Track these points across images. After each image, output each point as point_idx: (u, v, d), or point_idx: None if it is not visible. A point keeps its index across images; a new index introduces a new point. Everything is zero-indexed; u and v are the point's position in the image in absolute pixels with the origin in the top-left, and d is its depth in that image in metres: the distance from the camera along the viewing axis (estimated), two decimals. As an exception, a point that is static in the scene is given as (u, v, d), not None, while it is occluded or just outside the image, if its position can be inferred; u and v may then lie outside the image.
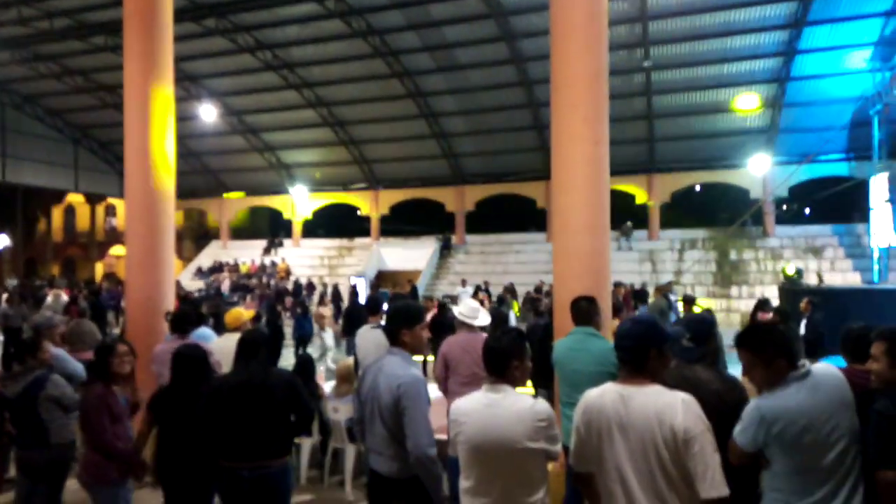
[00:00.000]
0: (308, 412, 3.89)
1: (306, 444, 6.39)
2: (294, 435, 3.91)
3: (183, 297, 14.69)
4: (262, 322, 9.21)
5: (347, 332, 12.69)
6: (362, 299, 17.44)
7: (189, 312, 6.04)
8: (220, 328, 6.64)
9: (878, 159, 18.89)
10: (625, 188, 24.83)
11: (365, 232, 30.32)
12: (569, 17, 5.98)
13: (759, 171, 22.98)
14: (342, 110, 25.75)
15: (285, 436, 3.77)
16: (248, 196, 31.75)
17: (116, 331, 15.25)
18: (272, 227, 35.39)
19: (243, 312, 6.30)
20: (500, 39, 20.40)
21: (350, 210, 31.16)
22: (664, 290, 13.99)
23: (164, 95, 7.25)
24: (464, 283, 21.07)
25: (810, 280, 18.01)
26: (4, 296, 16.71)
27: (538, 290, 17.79)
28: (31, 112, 28.72)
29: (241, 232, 33.25)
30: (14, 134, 28.33)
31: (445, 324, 9.61)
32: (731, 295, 21.61)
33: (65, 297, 14.82)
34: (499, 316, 6.97)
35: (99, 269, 38.29)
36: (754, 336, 2.86)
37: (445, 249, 27.62)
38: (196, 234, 36.74)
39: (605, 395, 2.57)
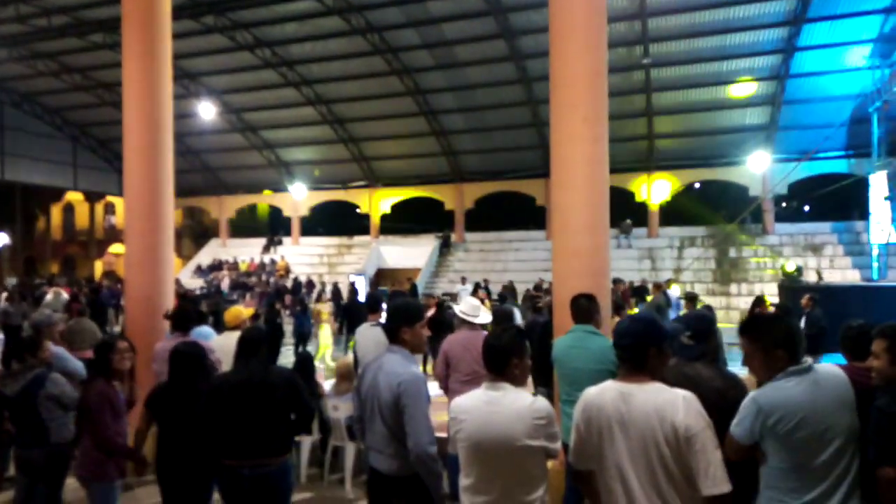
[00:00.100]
0: (308, 411, 3.89)
1: (306, 442, 6.39)
2: (294, 433, 3.91)
3: (182, 294, 14.70)
4: (261, 320, 9.19)
5: (346, 329, 12.74)
6: (362, 297, 17.43)
7: (190, 310, 6.04)
8: (220, 326, 6.63)
9: (877, 156, 18.91)
10: (624, 185, 24.84)
11: (364, 230, 30.32)
12: (568, 13, 5.97)
13: (758, 169, 22.99)
14: (341, 108, 25.74)
15: (286, 434, 3.76)
16: (247, 194, 31.72)
17: (117, 329, 15.25)
18: (271, 225, 35.38)
19: (242, 311, 6.31)
20: (499, 36, 20.39)
21: (349, 208, 31.16)
22: (663, 288, 14.02)
23: (162, 93, 7.23)
24: (464, 280, 21.09)
25: (810, 277, 18.02)
26: (4, 294, 16.69)
27: (538, 287, 17.79)
28: (30, 110, 28.69)
29: (241, 230, 33.23)
30: (13, 132, 28.30)
31: (444, 322, 9.63)
32: (730, 292, 21.64)
33: (65, 296, 14.81)
34: (504, 313, 6.95)
35: (98, 267, 38.26)
36: (755, 324, 2.86)
37: (445, 247, 27.63)
38: (195, 232, 36.73)
39: (604, 392, 2.57)
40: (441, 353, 5.26)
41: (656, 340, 2.57)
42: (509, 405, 2.72)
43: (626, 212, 24.56)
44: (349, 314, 12.79)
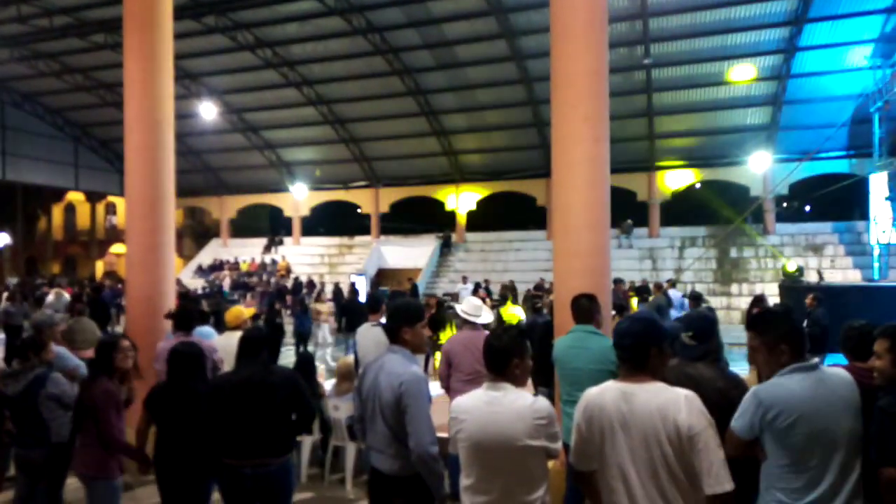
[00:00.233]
0: (309, 411, 3.89)
1: (307, 442, 6.39)
2: (296, 433, 3.91)
3: (184, 294, 14.71)
4: (260, 320, 9.19)
5: (344, 328, 12.77)
6: (362, 297, 17.43)
7: (192, 310, 6.04)
8: (221, 326, 6.64)
9: (878, 157, 18.89)
10: (624, 185, 24.82)
11: (365, 230, 30.33)
12: (569, 13, 5.96)
13: (759, 169, 22.98)
14: (342, 108, 25.74)
15: (287, 434, 3.77)
16: (248, 194, 31.75)
17: (119, 328, 15.25)
18: (272, 225, 35.40)
19: (243, 311, 6.31)
20: (500, 37, 20.39)
21: (350, 208, 31.17)
22: (664, 288, 14.03)
23: (163, 93, 7.24)
24: (465, 280, 21.08)
25: (810, 277, 18.01)
26: (5, 294, 16.70)
27: (538, 287, 17.78)
28: (31, 110, 28.72)
29: (242, 230, 33.25)
30: (14, 132, 28.33)
31: (443, 320, 9.65)
32: (731, 292, 21.63)
33: (66, 296, 14.83)
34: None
35: (99, 267, 38.29)
36: (761, 320, 2.85)
37: (446, 247, 27.63)
38: (196, 232, 36.75)
39: (605, 392, 2.57)
40: (443, 352, 5.27)
41: (657, 340, 2.57)
42: (510, 405, 2.72)
43: (626, 212, 24.56)
44: (348, 313, 12.82)
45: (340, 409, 6.20)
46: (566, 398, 4.47)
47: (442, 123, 25.61)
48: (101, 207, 38.94)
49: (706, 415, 2.39)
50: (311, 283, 25.12)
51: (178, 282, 19.04)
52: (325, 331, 13.33)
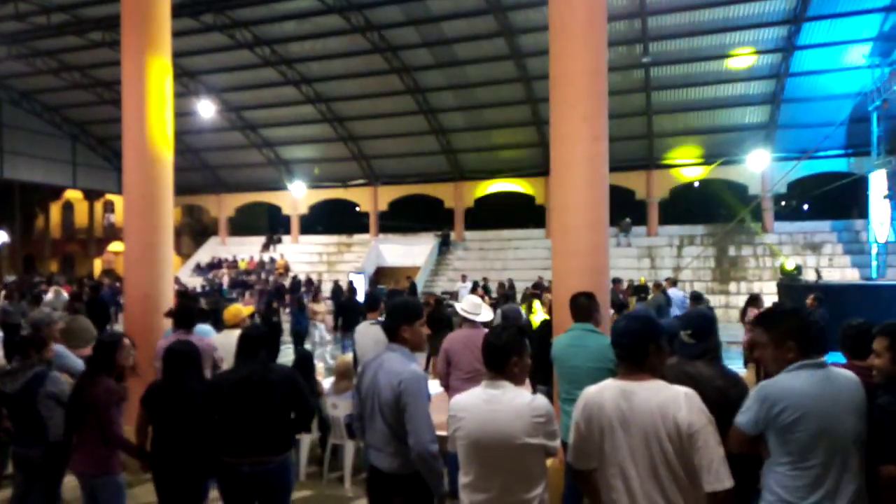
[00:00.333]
0: (308, 409, 3.90)
1: (305, 440, 6.39)
2: (295, 432, 3.91)
3: (182, 293, 14.69)
4: (255, 318, 9.18)
5: (340, 327, 12.75)
6: (360, 296, 17.43)
7: (193, 308, 6.04)
8: (220, 324, 6.64)
9: (876, 155, 18.92)
10: (623, 184, 24.84)
11: (364, 228, 30.32)
12: (568, 12, 5.96)
13: (757, 168, 22.99)
14: (341, 106, 25.72)
15: (286, 432, 3.77)
16: (246, 192, 31.72)
17: (118, 327, 15.24)
18: (271, 224, 35.39)
19: (242, 309, 6.30)
20: (498, 35, 20.38)
21: (349, 206, 31.15)
22: (662, 287, 14.05)
23: (162, 91, 7.23)
24: (464, 278, 21.07)
25: (809, 276, 18.03)
26: (3, 292, 16.69)
27: (537, 286, 17.78)
28: (29, 108, 28.67)
29: (240, 228, 33.23)
30: (11, 130, 28.27)
31: (442, 319, 9.63)
32: (729, 291, 21.65)
33: (65, 294, 14.82)
34: (510, 313, 6.91)
35: (97, 265, 38.27)
36: (769, 316, 2.86)
37: (444, 246, 27.62)
38: (194, 231, 36.71)
39: (604, 391, 2.57)
40: (442, 350, 5.27)
41: (654, 337, 2.57)
42: (508, 403, 2.72)
43: (625, 210, 24.57)
44: (344, 312, 12.82)
45: (339, 408, 6.20)
46: (565, 396, 4.47)
47: (441, 122, 25.60)
48: (99, 205, 38.90)
49: (706, 412, 2.40)
50: (309, 282, 25.12)
51: (177, 280, 19.04)
52: (321, 330, 13.34)
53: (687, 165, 25.13)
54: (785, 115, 22.14)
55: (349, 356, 7.04)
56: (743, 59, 20.35)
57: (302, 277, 25.75)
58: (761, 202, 22.97)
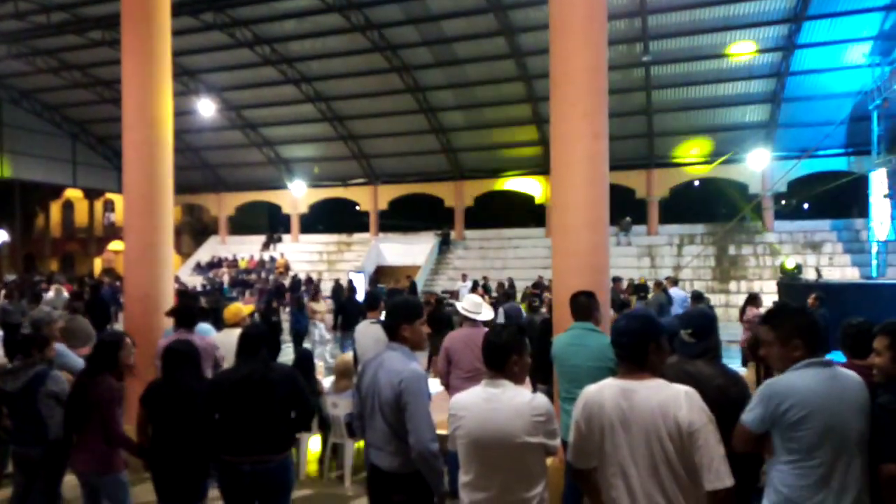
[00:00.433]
0: (309, 408, 3.90)
1: (305, 439, 6.39)
2: (295, 431, 3.91)
3: (183, 292, 14.69)
4: (255, 317, 9.17)
5: (341, 326, 12.75)
6: (359, 295, 17.42)
7: (195, 307, 6.05)
8: (220, 323, 6.64)
9: (877, 154, 18.92)
10: (623, 183, 24.83)
11: (364, 227, 30.31)
12: (568, 10, 5.95)
13: (758, 166, 22.98)
14: (341, 105, 25.71)
15: (286, 431, 3.77)
16: (246, 191, 31.71)
17: (119, 326, 15.24)
18: (271, 223, 35.38)
19: (242, 308, 6.30)
20: (499, 34, 20.36)
21: (349, 205, 31.15)
22: (663, 286, 14.05)
23: (162, 90, 7.22)
24: (464, 277, 21.07)
25: (809, 275, 18.03)
26: (3, 291, 16.68)
27: (536, 285, 17.79)
28: (29, 107, 28.67)
29: (240, 227, 33.23)
30: (12, 129, 28.27)
31: (443, 318, 9.64)
32: (729, 290, 21.65)
33: (66, 293, 14.84)
34: (512, 311, 6.92)
35: (97, 264, 38.26)
36: (776, 314, 2.85)
37: (444, 245, 27.62)
38: (195, 230, 36.71)
39: (604, 390, 2.57)
40: (442, 349, 5.27)
41: (654, 336, 2.57)
42: (508, 402, 2.72)
43: (625, 209, 24.57)
44: (344, 312, 12.82)
45: (339, 407, 6.20)
46: (565, 395, 4.47)
47: (441, 121, 25.59)
48: (99, 204, 38.90)
49: (706, 411, 2.40)
50: (309, 280, 25.13)
51: (177, 279, 19.03)
52: (321, 329, 13.33)
53: (687, 164, 25.12)
54: (785, 113, 22.13)
55: (349, 355, 7.04)
56: (743, 57, 20.34)
57: (302, 276, 25.75)
58: (761, 201, 22.95)
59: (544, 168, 25.44)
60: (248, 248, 30.57)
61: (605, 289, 5.96)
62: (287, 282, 25.12)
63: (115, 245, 36.16)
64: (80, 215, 39.41)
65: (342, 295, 20.49)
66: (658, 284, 14.57)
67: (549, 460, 2.91)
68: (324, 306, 14.28)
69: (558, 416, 3.97)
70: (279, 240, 30.99)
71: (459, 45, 21.45)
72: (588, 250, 5.82)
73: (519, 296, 17.43)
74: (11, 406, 4.46)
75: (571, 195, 5.89)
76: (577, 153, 5.85)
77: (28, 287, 19.68)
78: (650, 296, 15.00)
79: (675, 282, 15.54)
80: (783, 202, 27.40)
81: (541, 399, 2.75)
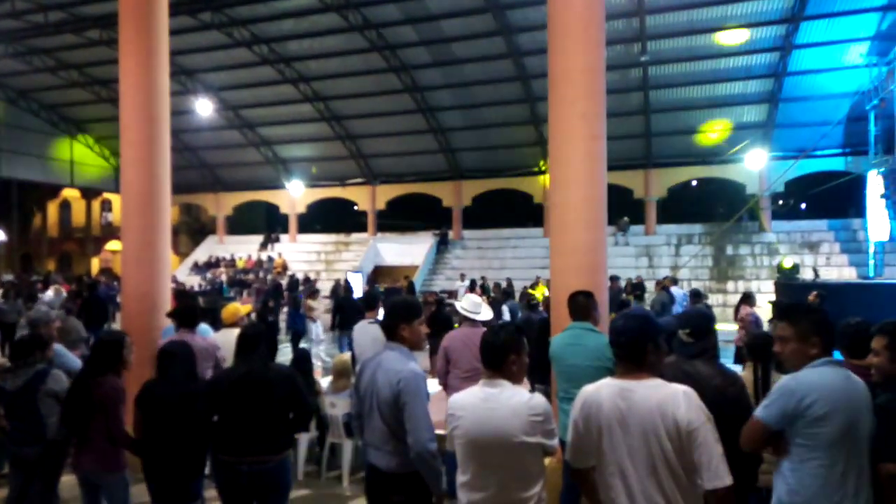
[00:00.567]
0: (307, 409, 3.90)
1: (304, 439, 6.39)
2: (294, 431, 3.91)
3: (181, 292, 14.66)
4: (252, 317, 9.15)
5: (338, 326, 12.73)
6: (357, 294, 17.41)
7: (196, 307, 6.04)
8: (218, 323, 6.63)
9: (874, 154, 18.94)
10: (621, 183, 24.84)
11: (362, 227, 30.29)
12: (566, 10, 5.96)
13: (755, 166, 23.01)
14: (339, 105, 25.69)
15: (285, 431, 3.77)
16: (244, 191, 31.67)
17: (116, 326, 15.22)
18: (269, 223, 35.35)
19: (240, 308, 6.31)
20: (497, 34, 20.36)
21: (347, 205, 31.14)
22: (664, 285, 14.06)
23: (159, 90, 7.21)
24: (462, 277, 21.09)
25: (806, 275, 18.06)
26: None
27: (535, 285, 17.80)
28: (26, 106, 28.61)
29: (238, 227, 33.20)
30: (9, 128, 28.22)
31: (443, 319, 9.64)
32: (727, 290, 21.67)
33: (64, 293, 14.83)
34: (515, 309, 6.92)
35: (95, 264, 38.18)
36: (794, 310, 2.84)
37: (442, 245, 27.62)
38: (192, 229, 36.67)
39: (602, 389, 2.57)
40: (441, 349, 5.27)
41: (652, 336, 2.57)
42: (506, 402, 2.72)
43: (623, 209, 24.58)
44: (341, 311, 12.81)
45: (337, 406, 6.19)
46: (563, 395, 4.47)
47: (439, 120, 25.58)
48: (96, 204, 38.82)
49: (704, 410, 2.40)
50: (307, 280, 25.11)
51: (174, 279, 19.01)
52: (317, 328, 13.28)
53: (685, 164, 25.14)
54: (782, 113, 22.16)
55: (347, 355, 7.04)
56: (740, 57, 20.36)
57: (300, 276, 25.73)
58: (759, 201, 22.98)
59: (542, 168, 25.49)
60: (245, 248, 30.53)
61: (602, 288, 5.96)
62: (285, 282, 25.10)
63: (113, 245, 36.10)
64: (78, 215, 39.33)
65: (340, 295, 20.50)
66: (658, 283, 14.59)
67: (546, 460, 2.91)
68: (320, 304, 14.26)
69: (556, 416, 3.97)
70: (277, 240, 30.96)
71: (457, 44, 21.44)
72: (586, 250, 5.83)
73: (518, 296, 17.45)
74: (10, 405, 4.44)
75: (569, 195, 5.90)
76: (575, 152, 5.86)
77: (25, 287, 19.64)
78: (647, 295, 15.02)
79: (674, 281, 15.57)
80: (780, 202, 27.45)
81: (539, 399, 2.75)
